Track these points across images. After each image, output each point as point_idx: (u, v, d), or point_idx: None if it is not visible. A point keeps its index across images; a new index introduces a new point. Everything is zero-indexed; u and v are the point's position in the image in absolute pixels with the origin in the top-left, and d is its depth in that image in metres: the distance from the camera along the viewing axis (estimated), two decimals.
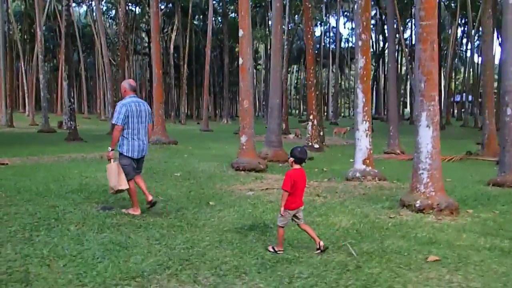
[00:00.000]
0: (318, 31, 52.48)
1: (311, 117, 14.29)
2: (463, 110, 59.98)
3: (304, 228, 4.04)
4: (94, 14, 41.48)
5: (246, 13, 9.58)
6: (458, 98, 52.51)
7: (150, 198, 5.29)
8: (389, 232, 4.80)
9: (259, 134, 20.34)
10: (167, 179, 8.12)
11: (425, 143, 5.77)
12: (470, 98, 56.29)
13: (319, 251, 3.91)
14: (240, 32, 9.61)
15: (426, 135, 5.76)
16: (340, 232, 4.72)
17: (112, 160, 5.22)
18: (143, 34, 54.50)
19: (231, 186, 7.71)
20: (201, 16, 50.14)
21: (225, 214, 5.47)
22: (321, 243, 3.93)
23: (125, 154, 5.21)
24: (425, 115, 5.78)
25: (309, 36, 14.09)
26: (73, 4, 46.08)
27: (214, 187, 7.57)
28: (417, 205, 5.62)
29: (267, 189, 7.56)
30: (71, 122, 17.59)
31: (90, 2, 44.83)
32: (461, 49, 55.71)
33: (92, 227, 4.50)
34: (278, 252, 3.88)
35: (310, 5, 14.07)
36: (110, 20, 51.71)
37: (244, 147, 9.70)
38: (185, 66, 39.39)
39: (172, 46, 42.70)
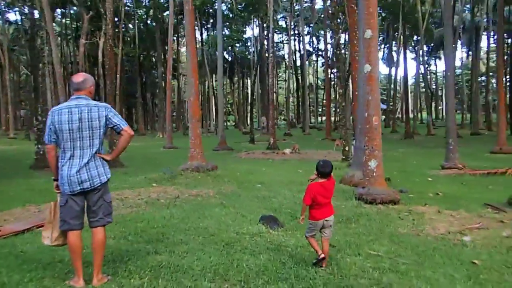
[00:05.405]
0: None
1: None
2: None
3: (324, 243, 4.07)
4: None
5: (375, 9, 7.81)
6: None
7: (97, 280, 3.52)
8: None
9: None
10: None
11: None
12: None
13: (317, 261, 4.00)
14: (368, 33, 7.78)
15: None
16: None
17: (58, 196, 3.59)
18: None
19: (421, 231, 5.82)
20: (122, 22, 45.74)
21: None
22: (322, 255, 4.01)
23: (61, 189, 3.52)
24: None
25: (355, 42, 12.67)
26: None
27: (397, 232, 5.68)
28: None
29: (476, 228, 5.90)
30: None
31: None
32: None
33: None
34: (320, 256, 3.97)
35: (355, 8, 12.64)
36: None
37: (374, 174, 7.85)
38: (119, 75, 35.13)
39: (100, 54, 37.96)
